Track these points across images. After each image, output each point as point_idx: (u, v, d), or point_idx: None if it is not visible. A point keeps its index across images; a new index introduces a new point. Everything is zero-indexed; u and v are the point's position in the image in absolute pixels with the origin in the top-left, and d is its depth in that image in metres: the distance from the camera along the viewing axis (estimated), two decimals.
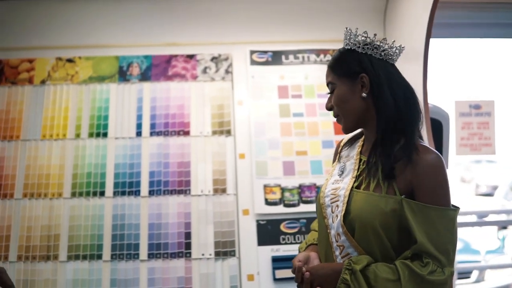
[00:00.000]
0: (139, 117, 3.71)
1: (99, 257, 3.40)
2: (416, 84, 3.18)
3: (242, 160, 3.63)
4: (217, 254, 3.42)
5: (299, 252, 2.18)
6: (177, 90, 3.78)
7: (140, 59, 3.83)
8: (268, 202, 3.53)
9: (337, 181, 2.02)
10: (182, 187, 3.56)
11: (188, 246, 3.43)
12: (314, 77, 3.82)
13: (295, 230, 3.48)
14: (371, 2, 3.90)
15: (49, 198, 3.52)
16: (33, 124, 3.69)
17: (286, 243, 3.45)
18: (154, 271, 3.38)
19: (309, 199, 3.53)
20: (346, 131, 2.03)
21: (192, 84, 3.80)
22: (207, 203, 3.53)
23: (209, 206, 3.52)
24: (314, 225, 2.27)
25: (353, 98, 1.93)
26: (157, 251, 3.42)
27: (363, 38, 1.94)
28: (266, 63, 3.85)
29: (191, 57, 3.85)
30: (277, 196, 3.55)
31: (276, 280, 3.37)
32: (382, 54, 1.94)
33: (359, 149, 2.04)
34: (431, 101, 3.44)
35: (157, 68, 3.81)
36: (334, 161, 2.22)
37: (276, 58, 3.87)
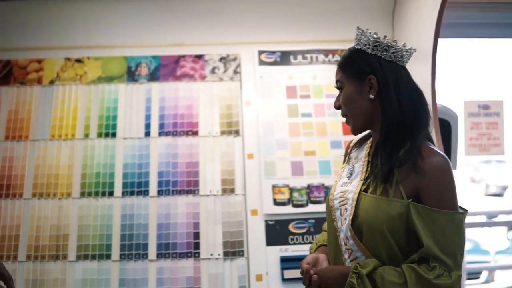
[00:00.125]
0: (148, 117, 3.75)
1: (108, 257, 3.44)
2: (424, 85, 3.22)
3: (250, 160, 3.67)
4: (226, 254, 3.45)
5: (310, 253, 2.19)
6: (185, 90, 3.82)
7: (149, 59, 3.87)
8: (276, 202, 3.56)
9: (346, 184, 2.03)
10: (191, 187, 3.59)
11: (196, 246, 3.47)
12: (323, 77, 3.85)
13: (304, 230, 3.51)
14: (380, 2, 3.92)
15: (58, 198, 3.57)
16: (42, 124, 3.73)
17: (294, 243, 3.48)
18: (163, 271, 3.42)
19: (317, 199, 3.55)
20: (355, 132, 2.05)
21: (200, 84, 3.83)
22: (216, 203, 3.57)
23: (218, 206, 3.56)
24: (325, 225, 2.27)
25: (360, 99, 1.94)
26: (165, 251, 3.45)
27: (373, 39, 1.94)
28: (274, 63, 3.88)
29: (199, 57, 3.89)
30: (285, 196, 3.58)
31: (284, 280, 3.40)
32: (392, 56, 1.94)
33: (367, 151, 2.06)
34: (439, 101, 3.46)
35: (165, 68, 3.85)
36: (344, 162, 2.23)
37: (284, 58, 3.90)
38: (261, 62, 3.88)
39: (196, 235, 3.49)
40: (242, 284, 3.39)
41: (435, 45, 3.21)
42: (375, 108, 1.94)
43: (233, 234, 3.50)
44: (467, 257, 4.86)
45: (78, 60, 3.87)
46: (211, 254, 3.46)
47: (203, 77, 3.84)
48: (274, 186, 3.59)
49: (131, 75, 3.84)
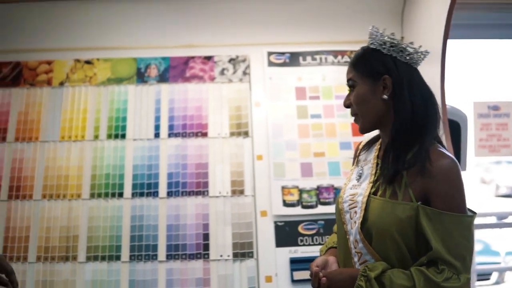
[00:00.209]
0: (157, 118, 3.78)
1: (118, 258, 3.48)
2: (433, 85, 3.21)
3: (259, 162, 3.69)
4: (235, 255, 3.48)
5: (320, 255, 2.20)
6: (195, 91, 3.85)
7: (158, 61, 3.91)
8: (286, 204, 3.59)
9: (355, 186, 2.03)
10: (200, 189, 3.62)
11: (206, 247, 3.50)
12: (332, 78, 3.87)
13: (313, 231, 3.53)
14: (389, 3, 3.94)
15: (68, 199, 3.60)
16: (51, 126, 3.77)
17: (304, 245, 3.50)
18: (173, 272, 3.45)
19: (327, 200, 3.58)
20: (363, 131, 2.04)
21: (209, 85, 3.86)
22: (225, 204, 3.60)
23: (227, 208, 3.59)
24: (335, 227, 2.27)
25: (373, 99, 1.94)
26: (175, 252, 3.48)
27: (390, 39, 1.95)
28: (283, 64, 3.91)
29: (208, 58, 3.92)
30: (295, 197, 3.60)
31: (294, 281, 3.42)
32: (407, 58, 1.95)
33: (376, 153, 2.06)
34: (449, 102, 3.48)
35: (175, 70, 3.89)
36: (353, 164, 2.24)
37: (293, 59, 3.92)
38: (270, 63, 3.90)
39: (206, 236, 3.52)
40: (251, 286, 3.42)
41: (444, 46, 3.23)
42: (386, 108, 1.94)
43: (243, 235, 3.52)
44: (477, 258, 4.87)
45: (88, 62, 3.91)
46: (221, 255, 3.48)
47: (212, 79, 3.87)
48: (283, 187, 3.62)
49: (141, 77, 3.87)
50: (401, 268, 1.82)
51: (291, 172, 3.66)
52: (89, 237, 3.53)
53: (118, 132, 3.74)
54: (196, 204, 3.60)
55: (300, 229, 3.54)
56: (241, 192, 3.62)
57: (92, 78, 3.87)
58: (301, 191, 3.62)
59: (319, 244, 3.46)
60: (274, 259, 3.48)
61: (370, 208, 1.89)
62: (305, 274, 3.35)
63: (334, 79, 3.85)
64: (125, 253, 3.49)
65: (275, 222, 3.56)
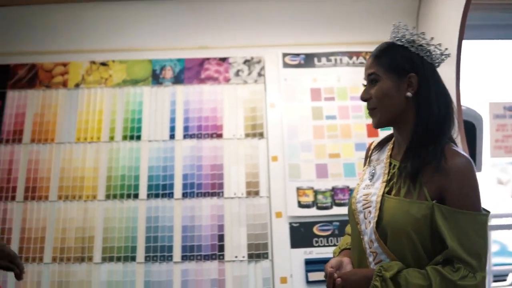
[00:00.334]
0: (172, 120, 3.83)
1: (133, 259, 3.52)
2: (449, 86, 3.21)
3: (274, 163, 3.73)
4: (250, 256, 3.52)
5: (333, 256, 2.20)
6: (210, 93, 3.89)
7: (173, 62, 3.96)
8: (301, 205, 3.62)
9: (368, 186, 2.05)
10: (215, 190, 3.67)
11: (221, 248, 3.54)
12: (347, 79, 3.90)
13: (328, 232, 3.56)
14: (404, 4, 3.97)
15: (83, 200, 3.66)
16: (67, 127, 3.83)
17: (319, 246, 3.54)
18: (188, 273, 3.49)
19: (342, 201, 3.61)
20: (377, 126, 2.03)
21: (224, 87, 3.91)
22: (240, 205, 3.64)
23: (242, 209, 3.63)
24: (348, 228, 2.30)
25: (396, 95, 1.94)
26: (190, 253, 3.53)
27: (419, 38, 1.97)
28: (298, 65, 3.94)
29: (223, 60, 3.97)
30: (310, 198, 3.63)
31: (309, 282, 3.45)
32: (433, 59, 1.98)
33: (389, 153, 2.07)
34: (464, 103, 3.49)
35: (190, 71, 3.93)
36: (365, 164, 2.25)
37: (308, 60, 3.96)
38: (285, 65, 3.94)
39: (221, 237, 3.56)
40: (266, 287, 3.45)
41: (459, 46, 3.25)
42: (407, 106, 1.95)
43: (258, 236, 3.56)
44: (493, 259, 4.87)
45: (103, 63, 3.96)
46: (236, 256, 3.52)
47: (227, 80, 3.92)
48: (298, 189, 3.65)
49: (156, 78, 3.92)
50: (417, 268, 1.83)
51: (306, 173, 3.69)
52: (104, 238, 3.58)
53: (134, 134, 3.79)
54: (211, 205, 3.64)
55: (315, 230, 3.58)
56: (256, 193, 3.66)
57: (108, 80, 3.92)
58: (316, 192, 3.65)
59: (334, 245, 3.49)
60: (289, 260, 3.51)
61: (384, 208, 1.91)
62: (320, 275, 3.37)
63: (349, 80, 3.88)
64: (140, 254, 3.54)
65: (290, 223, 3.59)
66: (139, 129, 3.81)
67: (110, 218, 3.62)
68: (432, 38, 1.99)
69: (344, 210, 3.50)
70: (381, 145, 2.16)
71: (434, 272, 1.77)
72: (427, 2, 3.82)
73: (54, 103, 3.88)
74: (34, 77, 3.94)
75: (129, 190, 3.67)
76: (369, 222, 1.94)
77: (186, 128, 3.80)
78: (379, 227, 1.90)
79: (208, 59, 3.97)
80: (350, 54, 3.96)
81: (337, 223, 3.57)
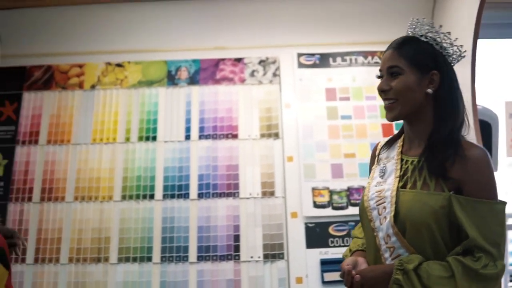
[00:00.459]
0: (188, 120, 3.87)
1: (149, 259, 3.58)
2: (464, 86, 3.25)
3: (290, 163, 3.77)
4: (266, 256, 3.56)
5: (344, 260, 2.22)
6: (225, 93, 3.94)
7: (189, 63, 4.01)
8: (316, 205, 3.66)
9: (380, 183, 2.06)
10: (231, 190, 3.71)
11: (237, 248, 3.58)
12: (362, 79, 3.92)
13: (344, 233, 3.59)
14: (419, 4, 3.99)
15: (99, 201, 3.72)
16: (83, 128, 3.89)
17: (334, 246, 3.57)
18: (203, 273, 3.54)
19: (358, 201, 3.60)
20: (395, 119, 2.05)
21: (240, 87, 3.95)
22: (256, 206, 3.68)
23: (258, 209, 3.67)
24: (356, 232, 2.31)
25: (418, 90, 1.96)
26: (206, 253, 3.58)
27: (445, 37, 2.01)
28: (313, 65, 3.98)
29: (238, 60, 4.01)
30: (325, 198, 3.67)
31: (324, 283, 3.48)
32: (452, 59, 2.02)
33: (400, 149, 2.10)
34: (479, 102, 3.49)
35: (205, 72, 3.98)
36: (371, 164, 2.29)
37: (323, 60, 3.99)
38: (300, 65, 3.97)
39: (236, 238, 3.61)
40: (282, 287, 3.49)
41: (474, 45, 3.26)
42: (425, 102, 1.98)
43: (273, 236, 3.60)
44: (510, 259, 4.87)
45: (119, 65, 4.03)
46: (251, 257, 3.57)
47: (242, 80, 3.96)
48: (314, 189, 3.69)
49: (171, 79, 3.97)
50: (437, 260, 1.84)
51: (322, 173, 3.73)
52: (120, 238, 3.63)
53: (149, 135, 3.85)
54: (227, 206, 3.68)
55: (331, 230, 3.61)
56: (272, 193, 3.70)
57: (123, 81, 3.98)
58: (331, 192, 3.68)
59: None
60: (305, 261, 3.55)
61: (400, 201, 1.93)
62: (335, 276, 3.39)
63: (364, 80, 3.91)
64: (156, 255, 3.59)
65: (306, 224, 3.63)
66: (154, 130, 3.86)
67: (126, 219, 3.68)
68: (456, 39, 2.03)
69: None
70: (390, 143, 2.19)
71: (456, 262, 1.79)
72: (442, 1, 3.84)
73: (70, 105, 3.95)
74: (50, 79, 4.01)
75: (145, 191, 3.73)
76: (385, 217, 1.95)
77: (201, 129, 3.85)
78: (397, 220, 1.91)
79: (223, 59, 4.01)
80: (365, 54, 3.99)
81: (353, 223, 3.59)
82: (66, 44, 4.08)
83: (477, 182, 1.85)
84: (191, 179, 3.75)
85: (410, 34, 2.07)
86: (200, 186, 3.73)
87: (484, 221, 1.81)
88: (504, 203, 1.88)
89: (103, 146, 3.84)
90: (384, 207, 1.97)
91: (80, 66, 4.04)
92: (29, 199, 3.75)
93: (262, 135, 3.83)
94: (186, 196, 3.71)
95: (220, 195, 3.71)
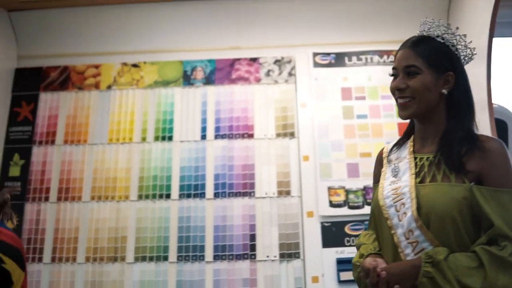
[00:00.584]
0: (204, 120, 3.93)
1: (165, 258, 3.63)
2: (480, 84, 3.30)
3: (306, 162, 3.80)
4: (282, 256, 3.60)
5: (354, 269, 2.19)
6: (240, 93, 3.98)
7: (204, 63, 4.06)
8: (332, 204, 3.69)
9: (394, 182, 2.07)
10: (247, 190, 3.76)
11: (253, 248, 3.63)
12: (378, 78, 3.96)
13: (360, 232, 3.59)
14: (434, 2, 4.02)
15: (116, 200, 3.78)
16: (100, 129, 3.96)
17: (350, 245, 3.59)
18: (220, 272, 3.59)
19: None
20: (410, 117, 2.09)
21: (255, 87, 3.99)
22: (272, 205, 3.72)
23: (274, 208, 3.71)
24: (363, 240, 2.27)
25: (434, 90, 2.00)
26: (222, 253, 3.63)
27: (461, 40, 2.06)
28: (329, 65, 4.01)
29: (254, 60, 4.05)
30: (341, 198, 3.70)
31: (341, 282, 3.52)
32: (463, 61, 2.07)
33: (411, 149, 2.12)
34: (495, 101, 3.51)
35: (220, 72, 4.03)
36: (378, 169, 2.29)
37: (339, 60, 4.02)
38: (316, 64, 4.01)
39: (252, 237, 3.65)
40: (298, 286, 3.53)
41: (490, 44, 3.28)
42: (440, 102, 2.03)
43: (289, 236, 3.64)
44: None
45: (135, 65, 4.09)
46: (267, 256, 3.61)
47: (258, 80, 4.00)
48: (329, 188, 3.72)
49: (187, 79, 4.03)
50: (461, 252, 1.87)
51: (338, 172, 3.76)
52: (137, 238, 3.69)
53: (165, 134, 3.90)
54: (243, 205, 3.73)
55: (347, 229, 3.64)
56: (288, 193, 3.74)
57: (139, 81, 4.04)
58: (347, 192, 3.72)
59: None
60: (321, 260, 3.59)
61: (422, 195, 1.95)
62: (352, 275, 3.39)
63: (380, 79, 3.93)
64: (172, 254, 3.64)
65: (322, 223, 3.66)
66: (170, 129, 3.91)
67: (142, 218, 3.73)
68: (470, 42, 2.07)
69: None
70: (399, 145, 2.21)
71: (484, 252, 1.80)
72: (457, 0, 3.87)
73: (86, 105, 4.01)
74: (66, 79, 4.08)
75: (161, 191, 3.78)
76: (404, 213, 1.96)
77: (217, 129, 3.90)
78: (420, 214, 1.92)
79: (238, 59, 4.06)
80: (381, 53, 4.03)
81: None
82: (82, 45, 4.14)
83: (497, 173, 1.89)
84: (207, 179, 3.80)
85: (425, 34, 2.10)
86: (216, 186, 3.78)
87: (507, 210, 1.84)
88: None
89: (120, 146, 3.90)
90: (403, 203, 1.98)
91: (96, 66, 4.10)
92: (46, 199, 3.82)
93: (278, 135, 3.87)
94: (202, 195, 3.76)
95: (236, 194, 3.75)
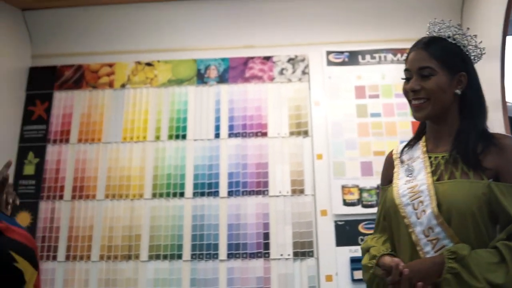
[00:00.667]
0: (217, 119, 3.95)
1: (179, 257, 3.67)
2: (493, 82, 3.30)
3: (319, 161, 3.82)
4: (296, 254, 3.62)
5: (365, 270, 2.17)
6: (254, 91, 4.01)
7: (218, 62, 4.09)
8: (346, 203, 3.71)
9: (409, 181, 2.08)
10: (260, 188, 3.78)
11: (266, 246, 3.66)
12: (391, 76, 3.97)
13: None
14: (448, 0, 4.02)
15: (130, 199, 3.83)
16: (114, 127, 4.00)
17: None
18: (233, 271, 3.62)
19: None
20: (426, 118, 2.10)
21: (269, 85, 4.02)
22: (285, 204, 3.74)
23: (287, 207, 3.73)
24: (371, 242, 2.24)
25: (448, 91, 2.02)
26: (236, 251, 3.66)
27: (472, 41, 2.08)
28: (342, 63, 4.03)
29: (267, 58, 4.08)
30: (355, 196, 3.72)
31: (354, 281, 3.54)
32: (474, 61, 2.10)
33: (424, 149, 2.13)
34: (509, 99, 3.51)
35: (234, 70, 4.06)
36: (386, 169, 2.30)
37: (352, 58, 4.04)
38: (329, 63, 4.03)
39: (266, 236, 3.68)
40: (312, 285, 3.55)
41: (503, 42, 3.29)
42: (453, 102, 2.05)
43: (303, 234, 3.66)
44: None
45: (149, 64, 4.12)
46: (281, 255, 3.63)
47: (271, 79, 4.03)
48: (343, 187, 3.74)
49: (201, 78, 4.06)
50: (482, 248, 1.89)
51: (351, 171, 3.78)
52: (151, 236, 3.73)
53: (179, 133, 3.94)
54: (257, 204, 3.76)
55: (361, 228, 3.66)
56: (301, 191, 3.76)
57: (153, 80, 4.08)
58: (361, 190, 3.73)
59: None
60: (335, 258, 3.61)
61: (441, 192, 1.96)
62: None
63: (394, 77, 3.94)
64: (186, 252, 3.68)
65: (335, 221, 3.68)
66: (184, 128, 3.95)
67: (156, 217, 3.77)
68: (481, 42, 2.10)
69: None
70: (410, 145, 2.23)
71: (505, 247, 1.81)
72: None
73: (100, 103, 4.05)
74: (80, 78, 4.12)
75: (175, 189, 3.82)
76: (423, 211, 1.97)
77: (231, 127, 3.93)
78: (440, 211, 1.93)
79: (252, 58, 4.08)
80: (394, 51, 4.04)
81: None
82: (96, 44, 4.18)
83: None
84: (221, 177, 3.83)
85: (434, 35, 2.12)
86: (229, 184, 3.80)
87: None
88: None
89: (134, 144, 3.94)
90: (421, 201, 1.99)
91: (110, 65, 4.14)
92: (61, 197, 3.87)
93: (292, 133, 3.89)
94: (216, 194, 3.79)
95: (250, 193, 3.78)
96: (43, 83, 4.15)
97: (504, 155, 1.94)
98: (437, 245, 1.92)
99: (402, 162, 2.18)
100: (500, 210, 1.87)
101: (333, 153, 3.82)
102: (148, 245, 3.72)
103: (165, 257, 3.69)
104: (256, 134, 3.91)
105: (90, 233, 3.78)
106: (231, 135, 3.92)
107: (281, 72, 4.04)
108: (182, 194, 3.82)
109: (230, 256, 3.66)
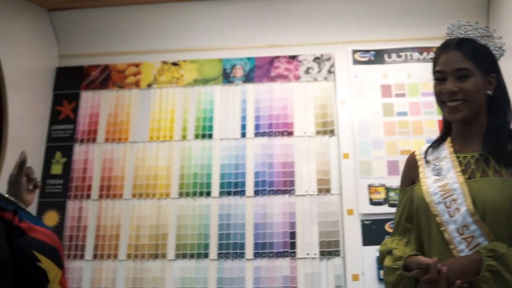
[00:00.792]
0: (243, 118, 3.99)
1: (206, 256, 3.72)
2: None
3: (346, 160, 3.84)
4: (322, 254, 3.65)
5: (389, 272, 2.15)
6: (280, 91, 4.04)
7: (243, 61, 4.13)
8: (372, 202, 3.73)
9: (438, 180, 2.10)
10: (287, 187, 3.81)
11: (293, 245, 3.69)
12: (418, 75, 3.96)
13: None
14: None
15: (157, 198, 3.88)
16: (140, 127, 4.05)
17: None
18: (260, 270, 3.65)
19: None
20: (463, 119, 2.10)
21: (294, 84, 4.04)
22: (312, 203, 3.77)
23: (314, 206, 3.76)
24: (390, 245, 2.22)
25: (482, 91, 2.07)
26: (262, 250, 3.69)
27: (497, 42, 2.13)
28: (368, 62, 4.04)
29: (293, 58, 4.10)
30: (381, 196, 3.73)
31: (381, 280, 3.52)
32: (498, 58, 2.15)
33: (452, 149, 2.15)
34: None
35: (260, 70, 4.09)
36: (409, 170, 2.30)
37: (378, 57, 4.05)
38: (355, 61, 4.04)
39: (292, 235, 3.71)
40: (338, 284, 3.58)
41: None
42: (483, 103, 2.09)
43: (329, 233, 3.69)
44: None
45: (175, 63, 4.17)
46: (307, 254, 3.66)
47: (297, 78, 4.05)
48: (370, 186, 3.76)
49: (227, 77, 4.10)
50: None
51: (378, 170, 3.79)
52: (177, 235, 3.78)
53: (205, 132, 3.98)
54: (283, 203, 3.78)
55: (387, 227, 3.66)
56: (328, 190, 3.79)
57: (179, 80, 4.13)
58: (388, 190, 3.74)
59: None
60: (361, 258, 3.63)
61: (474, 190, 1.97)
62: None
63: (420, 76, 3.94)
64: (213, 251, 3.72)
65: (362, 221, 3.70)
66: (210, 127, 3.99)
67: (183, 216, 3.82)
68: (504, 44, 2.15)
69: None
70: (434, 146, 2.24)
71: None
72: None
73: (127, 103, 4.12)
74: (107, 78, 4.18)
75: (201, 188, 3.86)
76: (457, 209, 1.98)
77: (257, 126, 3.96)
78: (476, 208, 1.94)
79: (278, 57, 4.11)
80: (420, 50, 4.04)
81: None
82: (122, 44, 4.24)
83: None
84: (247, 176, 3.87)
85: (461, 36, 2.14)
86: (256, 183, 3.84)
87: None
88: None
89: (160, 144, 3.99)
90: (454, 199, 2.00)
91: (137, 65, 4.20)
92: (88, 196, 3.93)
93: (318, 132, 3.91)
94: (242, 193, 3.83)
95: (276, 192, 3.81)
96: (70, 83, 4.22)
97: None
98: (472, 243, 1.93)
99: (427, 162, 2.19)
100: None
101: (359, 152, 3.84)
102: (174, 244, 3.77)
103: (191, 256, 3.73)
104: (282, 133, 3.94)
105: (117, 232, 3.84)
106: (257, 134, 3.96)
107: (307, 71, 4.06)
108: (208, 193, 3.86)
109: (256, 255, 3.70)
